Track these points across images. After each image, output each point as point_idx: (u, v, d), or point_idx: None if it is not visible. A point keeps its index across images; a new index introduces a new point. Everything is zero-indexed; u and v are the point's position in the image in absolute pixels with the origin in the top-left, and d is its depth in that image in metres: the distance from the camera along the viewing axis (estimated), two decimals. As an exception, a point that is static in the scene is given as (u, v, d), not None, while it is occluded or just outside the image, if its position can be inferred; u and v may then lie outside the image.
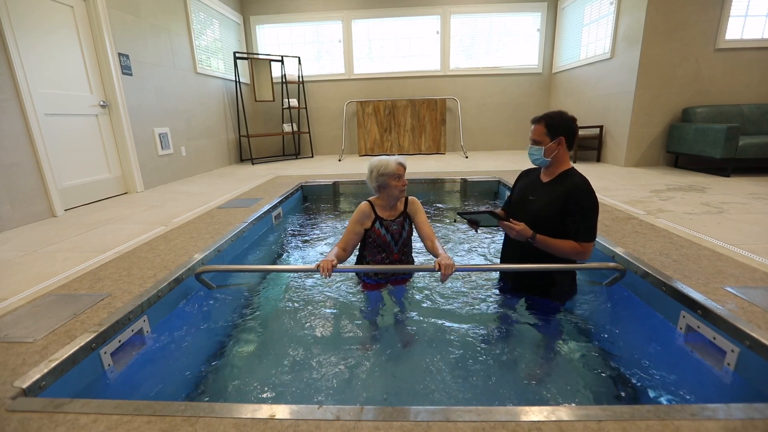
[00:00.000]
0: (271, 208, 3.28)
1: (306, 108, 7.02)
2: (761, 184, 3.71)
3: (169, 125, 4.75)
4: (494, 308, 1.91)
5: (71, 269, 2.00)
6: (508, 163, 5.56)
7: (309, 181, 4.55)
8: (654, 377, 1.39)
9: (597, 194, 1.65)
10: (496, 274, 2.14)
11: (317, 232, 3.33)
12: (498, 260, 2.17)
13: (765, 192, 3.39)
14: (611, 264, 1.82)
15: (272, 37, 7.18)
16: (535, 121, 1.75)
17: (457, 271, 1.66)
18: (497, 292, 2.03)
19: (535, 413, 0.98)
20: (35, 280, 1.89)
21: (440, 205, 4.12)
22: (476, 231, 1.93)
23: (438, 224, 3.39)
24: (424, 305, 1.90)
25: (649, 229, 2.39)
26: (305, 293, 2.06)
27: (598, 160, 5.59)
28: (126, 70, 4.01)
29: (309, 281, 2.16)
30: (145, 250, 2.21)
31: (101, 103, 3.80)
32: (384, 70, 7.21)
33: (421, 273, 2.11)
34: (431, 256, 1.82)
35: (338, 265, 1.72)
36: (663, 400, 1.30)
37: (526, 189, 1.86)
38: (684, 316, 1.52)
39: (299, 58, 6.80)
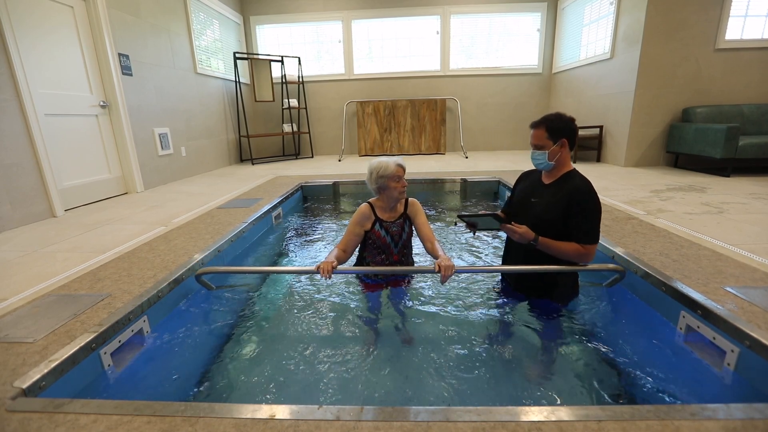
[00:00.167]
0: (271, 208, 3.28)
1: (306, 108, 7.02)
2: (761, 184, 3.72)
3: (169, 125, 4.75)
4: (495, 309, 1.91)
5: (71, 269, 2.00)
6: (508, 164, 5.56)
7: (309, 181, 4.55)
8: (654, 377, 1.39)
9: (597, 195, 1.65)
10: (496, 276, 2.14)
11: (317, 232, 3.32)
12: (498, 261, 2.17)
13: (765, 192, 3.39)
14: (611, 265, 1.82)
15: (272, 38, 7.18)
16: (535, 125, 1.72)
17: (457, 272, 1.66)
18: (498, 293, 2.03)
19: (535, 413, 0.98)
20: (35, 280, 1.89)
21: (440, 206, 4.12)
22: (474, 234, 1.93)
23: (438, 224, 3.39)
24: (424, 306, 1.90)
25: (648, 229, 2.39)
26: (305, 294, 2.06)
27: (598, 160, 5.59)
28: (126, 70, 4.01)
29: (309, 282, 2.16)
30: (145, 251, 2.21)
31: (101, 103, 3.80)
32: (384, 70, 7.21)
33: (421, 274, 2.11)
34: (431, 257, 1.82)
35: (338, 266, 1.73)
36: (663, 400, 1.30)
37: (528, 191, 1.85)
38: (684, 316, 1.52)
39: (299, 58, 6.80)
